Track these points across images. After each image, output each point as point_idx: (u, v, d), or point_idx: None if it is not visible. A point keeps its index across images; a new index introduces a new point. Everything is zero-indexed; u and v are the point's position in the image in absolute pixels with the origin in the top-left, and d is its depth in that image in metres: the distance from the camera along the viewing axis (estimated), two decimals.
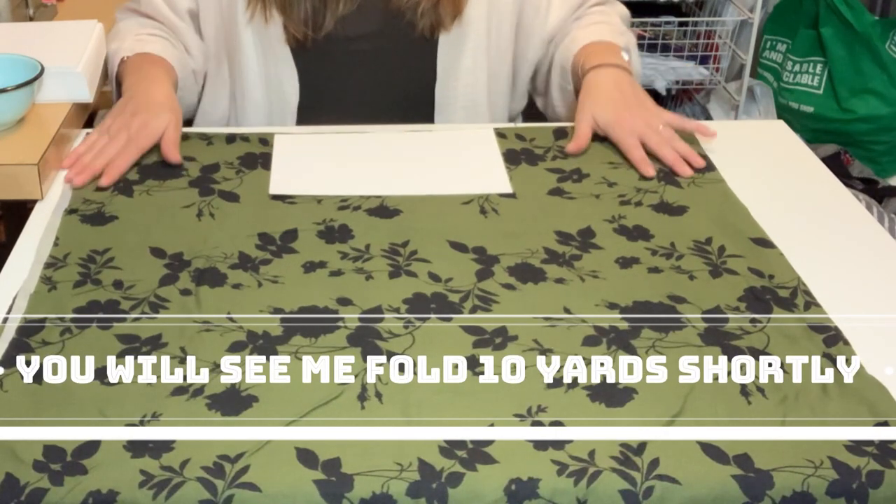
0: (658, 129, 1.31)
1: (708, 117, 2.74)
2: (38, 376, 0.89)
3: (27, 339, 0.94)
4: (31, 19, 1.65)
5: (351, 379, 0.90)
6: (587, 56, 1.42)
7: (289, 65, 1.41)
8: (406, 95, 1.46)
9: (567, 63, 1.47)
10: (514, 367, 0.91)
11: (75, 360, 0.91)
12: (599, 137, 1.36)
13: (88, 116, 1.44)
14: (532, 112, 1.63)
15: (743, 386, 0.90)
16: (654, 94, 2.83)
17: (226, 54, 1.45)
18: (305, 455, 0.81)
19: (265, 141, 1.33)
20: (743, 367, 0.92)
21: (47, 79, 1.31)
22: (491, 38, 1.45)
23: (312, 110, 1.44)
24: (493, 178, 1.26)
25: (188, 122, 1.53)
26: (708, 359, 0.93)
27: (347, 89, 1.45)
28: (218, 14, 1.43)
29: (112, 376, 0.89)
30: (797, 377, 0.91)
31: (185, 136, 1.33)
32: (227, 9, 1.42)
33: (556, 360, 0.93)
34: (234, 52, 1.44)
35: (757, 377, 0.91)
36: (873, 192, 2.52)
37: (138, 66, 1.37)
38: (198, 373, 0.90)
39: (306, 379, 0.89)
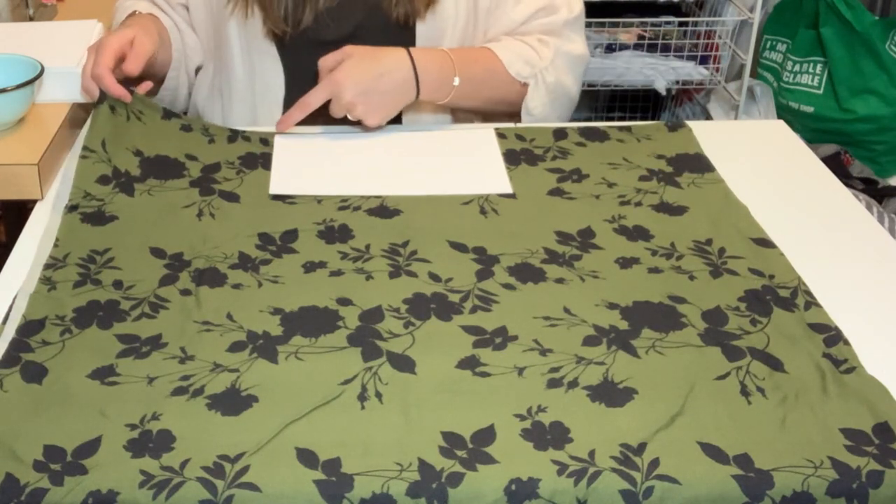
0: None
1: (708, 117, 2.74)
2: (39, 376, 0.89)
3: (27, 338, 0.94)
4: (31, 19, 1.64)
5: (351, 379, 0.90)
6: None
7: (273, 58, 1.42)
8: None
9: None
10: (514, 367, 0.91)
11: (75, 360, 0.91)
12: (600, 138, 1.36)
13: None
14: None
15: (743, 386, 0.90)
16: (654, 94, 2.83)
17: (213, 49, 1.47)
18: (305, 455, 0.81)
19: (266, 141, 1.33)
20: (743, 368, 0.92)
21: (47, 79, 1.31)
22: (468, 31, 1.45)
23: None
24: (493, 178, 1.26)
25: None
26: (708, 359, 0.93)
27: None
28: (207, 8, 1.45)
29: (112, 376, 0.89)
30: (797, 377, 0.91)
31: (189, 128, 1.33)
32: (215, 3, 1.43)
33: (556, 359, 0.93)
34: (220, 47, 1.45)
35: (757, 377, 0.91)
36: (873, 192, 2.52)
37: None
38: (198, 373, 0.90)
39: (306, 379, 0.89)
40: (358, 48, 1.34)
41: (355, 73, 1.31)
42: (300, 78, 1.43)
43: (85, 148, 1.23)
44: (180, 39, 1.47)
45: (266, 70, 1.42)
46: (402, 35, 1.42)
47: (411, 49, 1.37)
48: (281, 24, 1.38)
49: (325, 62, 1.34)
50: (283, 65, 1.42)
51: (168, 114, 1.33)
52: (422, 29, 1.42)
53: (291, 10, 1.38)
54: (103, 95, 1.28)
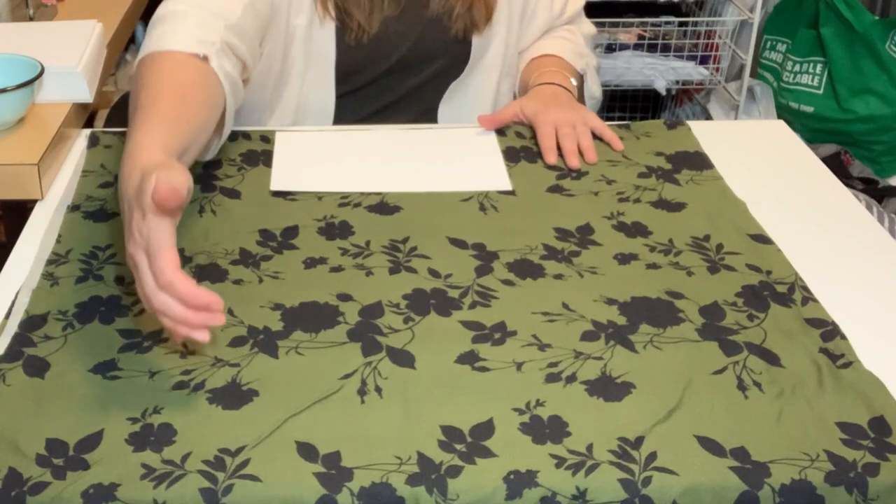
0: (574, 126, 1.33)
1: (708, 117, 2.74)
2: (41, 370, 0.90)
3: (29, 333, 0.94)
4: (31, 19, 1.65)
5: (351, 373, 0.90)
6: (540, 72, 1.45)
7: (328, 83, 1.41)
8: (424, 90, 1.48)
9: (518, 71, 1.51)
10: (512, 362, 0.92)
11: (77, 354, 0.92)
12: (599, 136, 1.36)
13: (88, 116, 1.45)
14: None
15: (740, 380, 0.90)
16: (654, 94, 2.84)
17: (268, 73, 1.38)
18: (305, 449, 0.81)
19: (266, 138, 1.33)
20: (740, 362, 0.93)
21: (47, 79, 1.32)
22: (509, 40, 1.48)
23: (342, 116, 1.45)
24: (493, 175, 1.26)
25: None
26: (705, 353, 0.94)
27: (380, 95, 1.46)
28: (276, 32, 1.35)
29: (114, 371, 0.90)
30: (794, 372, 0.91)
31: None
32: (284, 25, 1.35)
33: (554, 354, 0.93)
34: (281, 71, 1.39)
35: (754, 372, 0.91)
36: (873, 192, 2.52)
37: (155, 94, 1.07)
38: (199, 367, 0.90)
39: (306, 373, 0.90)
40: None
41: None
42: (351, 98, 1.43)
43: (84, 170, 1.24)
44: (233, 100, 1.19)
45: (320, 94, 1.41)
46: (459, 47, 1.44)
47: (538, 81, 1.43)
48: (357, 30, 1.36)
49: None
50: (335, 89, 1.41)
51: None
52: (476, 41, 1.44)
53: (368, 11, 1.37)
54: (95, 138, 1.31)
